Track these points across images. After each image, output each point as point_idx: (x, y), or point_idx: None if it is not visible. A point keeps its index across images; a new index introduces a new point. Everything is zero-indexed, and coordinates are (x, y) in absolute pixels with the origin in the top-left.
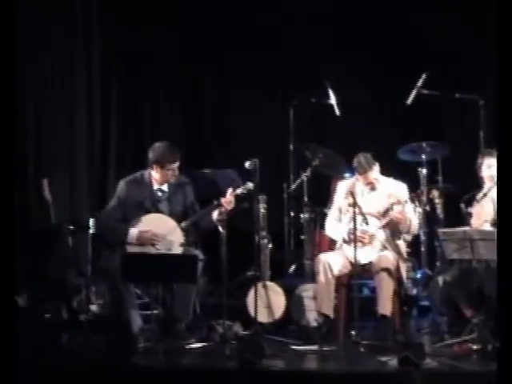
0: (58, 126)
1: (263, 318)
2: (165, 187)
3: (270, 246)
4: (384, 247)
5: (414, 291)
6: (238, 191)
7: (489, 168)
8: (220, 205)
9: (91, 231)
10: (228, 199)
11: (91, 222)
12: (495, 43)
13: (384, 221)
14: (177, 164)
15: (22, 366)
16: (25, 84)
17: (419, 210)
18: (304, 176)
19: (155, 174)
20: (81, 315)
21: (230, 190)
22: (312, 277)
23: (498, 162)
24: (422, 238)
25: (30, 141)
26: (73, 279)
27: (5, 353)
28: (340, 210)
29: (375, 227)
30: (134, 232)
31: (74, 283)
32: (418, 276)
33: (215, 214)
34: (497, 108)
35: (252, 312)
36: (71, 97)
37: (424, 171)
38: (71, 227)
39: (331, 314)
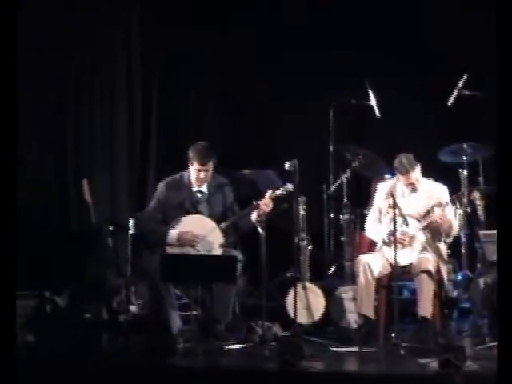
0: (98, 127)
1: (303, 319)
2: (204, 188)
3: (309, 247)
4: (424, 249)
5: (455, 293)
6: (278, 192)
7: None
8: (258, 207)
9: (131, 232)
10: (266, 201)
11: (131, 222)
12: None
13: (424, 222)
14: (209, 165)
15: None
16: (64, 85)
17: (460, 211)
18: (344, 177)
19: (194, 175)
20: (120, 315)
21: (268, 193)
22: (352, 278)
23: (498, 162)
24: (463, 239)
25: (70, 142)
26: (113, 280)
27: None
28: (380, 212)
29: (415, 229)
30: (173, 233)
31: (113, 284)
32: (459, 278)
33: (254, 216)
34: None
35: (291, 313)
36: (111, 97)
37: (465, 173)
38: (111, 228)
39: (371, 315)
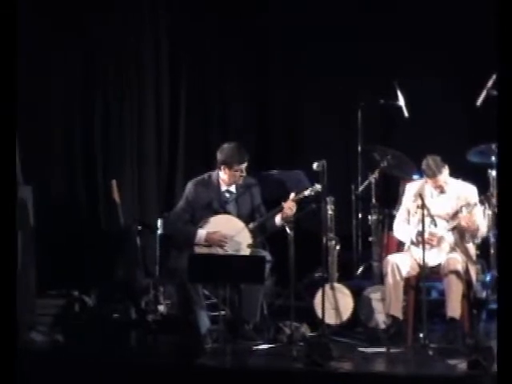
0: (126, 127)
1: (331, 319)
2: (232, 188)
3: (337, 247)
4: (453, 249)
5: (484, 294)
6: (306, 193)
7: None
8: (282, 209)
9: (159, 232)
10: (289, 204)
11: (159, 222)
12: None
13: (453, 223)
14: (245, 165)
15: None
16: (92, 84)
17: (489, 212)
18: (372, 178)
19: (223, 175)
20: (149, 315)
21: (291, 195)
22: (380, 279)
23: (498, 161)
24: (492, 240)
25: (98, 142)
26: (141, 279)
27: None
28: (408, 212)
29: (444, 229)
30: (202, 233)
31: (142, 283)
32: (488, 278)
33: (278, 218)
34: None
35: (319, 314)
36: (139, 97)
37: (494, 173)
38: (139, 228)
39: (400, 315)
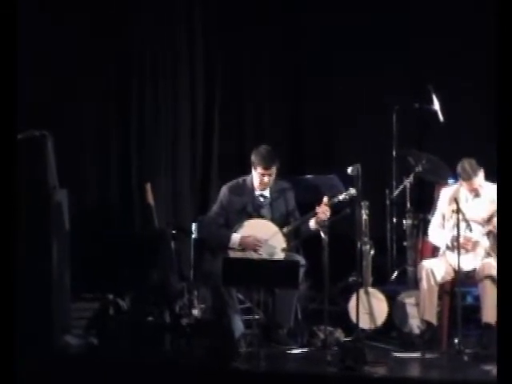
0: (161, 129)
1: (365, 324)
2: (267, 193)
3: (372, 252)
4: (488, 254)
5: None
6: (341, 197)
7: None
8: (316, 214)
9: (194, 236)
10: (323, 209)
11: (194, 226)
12: None
13: (488, 227)
14: (274, 168)
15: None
16: (128, 84)
17: None
18: (407, 182)
19: (257, 179)
20: (183, 319)
21: (324, 199)
22: (415, 283)
23: (498, 160)
24: None
25: (133, 144)
26: (175, 283)
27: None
28: (443, 217)
29: (479, 234)
30: (236, 237)
31: (176, 287)
32: None
33: (312, 223)
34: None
35: (354, 318)
36: (174, 98)
37: None
38: (174, 232)
39: (434, 321)
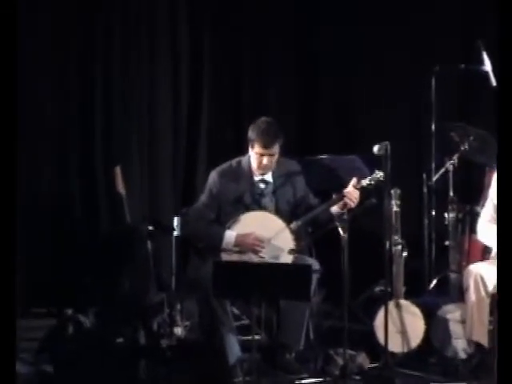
0: (135, 100)
1: (396, 346)
2: (269, 177)
3: (404, 253)
4: None
5: None
6: (364, 183)
7: None
8: (342, 199)
9: (176, 233)
10: (352, 193)
11: (176, 221)
12: None
13: None
14: (276, 147)
15: None
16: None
17: None
18: (450, 164)
19: (256, 161)
20: (162, 340)
21: (353, 181)
22: (459, 294)
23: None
24: None
25: (98, 119)
26: (152, 294)
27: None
28: (496, 209)
29: None
30: (230, 235)
31: (153, 299)
32: None
33: (336, 210)
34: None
35: (381, 339)
36: (151, 61)
37: None
38: (151, 228)
39: (485, 342)
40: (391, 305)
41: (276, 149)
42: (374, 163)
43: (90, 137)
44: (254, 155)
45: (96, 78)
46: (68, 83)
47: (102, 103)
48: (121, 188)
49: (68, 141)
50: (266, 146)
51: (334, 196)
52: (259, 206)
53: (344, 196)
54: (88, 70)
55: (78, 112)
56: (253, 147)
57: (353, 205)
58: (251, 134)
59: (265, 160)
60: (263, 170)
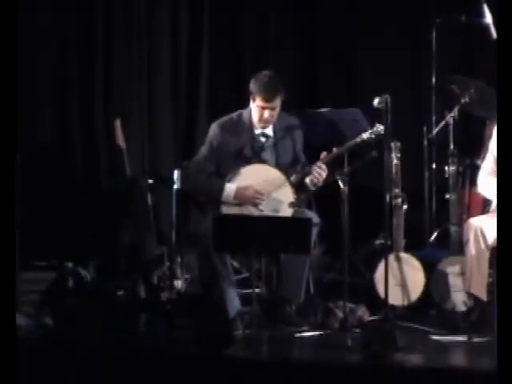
0: (134, 53)
1: (396, 299)
2: (269, 131)
3: (405, 207)
4: None
5: None
6: (365, 136)
7: None
8: (309, 171)
9: (176, 187)
10: (318, 166)
11: (176, 174)
12: None
13: None
14: (277, 100)
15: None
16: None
17: None
18: (450, 117)
19: (257, 114)
20: (162, 293)
21: (323, 154)
22: (459, 247)
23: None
24: None
25: (97, 70)
26: (152, 248)
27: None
28: (496, 162)
29: None
30: (231, 188)
31: (153, 253)
32: None
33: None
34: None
35: (381, 292)
36: (151, 11)
37: None
38: (150, 181)
39: (484, 295)
40: (391, 258)
41: (277, 102)
42: (374, 116)
43: (90, 88)
44: (255, 108)
45: (97, 27)
46: (68, 32)
47: (103, 53)
48: (121, 141)
49: (69, 92)
50: (268, 99)
51: (334, 149)
52: (259, 160)
53: (310, 170)
54: (89, 19)
55: (77, 61)
56: (254, 100)
57: (319, 179)
58: (253, 86)
59: (266, 113)
60: (264, 123)
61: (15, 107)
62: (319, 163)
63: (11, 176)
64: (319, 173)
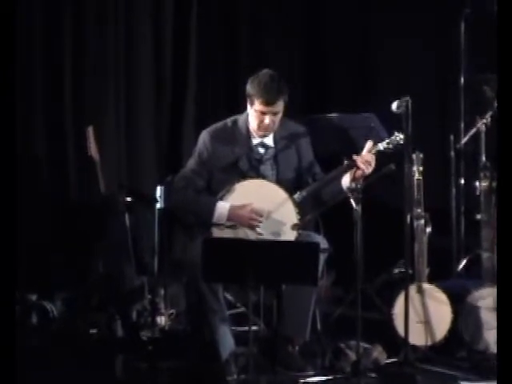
0: (110, 56)
1: (418, 339)
2: (269, 140)
3: (428, 229)
4: None
5: None
6: (381, 146)
7: None
8: (354, 166)
9: (159, 205)
10: (366, 157)
11: (159, 191)
12: None
13: None
14: (280, 104)
15: None
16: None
17: None
18: (481, 124)
19: (255, 120)
20: (143, 332)
21: (368, 144)
22: (493, 277)
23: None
24: None
25: (67, 75)
26: (131, 278)
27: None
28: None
29: None
30: (223, 207)
31: (132, 284)
32: None
33: (346, 181)
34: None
35: (401, 330)
36: (129, 11)
37: None
38: (129, 199)
39: None
40: (412, 289)
41: (280, 106)
42: (392, 123)
43: (59, 92)
44: (253, 113)
45: (67, 26)
46: (35, 35)
47: (73, 54)
48: (94, 152)
49: (35, 96)
50: (269, 102)
51: (345, 162)
52: (257, 174)
53: (356, 163)
54: (59, 20)
55: (45, 61)
56: (252, 104)
57: (367, 172)
58: (251, 88)
59: (267, 119)
60: (264, 131)
61: None
62: (367, 154)
63: None
64: (368, 163)
